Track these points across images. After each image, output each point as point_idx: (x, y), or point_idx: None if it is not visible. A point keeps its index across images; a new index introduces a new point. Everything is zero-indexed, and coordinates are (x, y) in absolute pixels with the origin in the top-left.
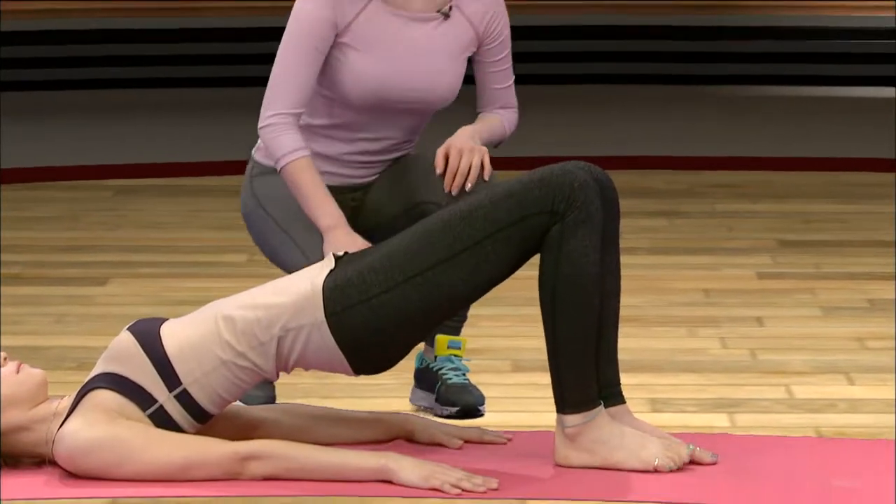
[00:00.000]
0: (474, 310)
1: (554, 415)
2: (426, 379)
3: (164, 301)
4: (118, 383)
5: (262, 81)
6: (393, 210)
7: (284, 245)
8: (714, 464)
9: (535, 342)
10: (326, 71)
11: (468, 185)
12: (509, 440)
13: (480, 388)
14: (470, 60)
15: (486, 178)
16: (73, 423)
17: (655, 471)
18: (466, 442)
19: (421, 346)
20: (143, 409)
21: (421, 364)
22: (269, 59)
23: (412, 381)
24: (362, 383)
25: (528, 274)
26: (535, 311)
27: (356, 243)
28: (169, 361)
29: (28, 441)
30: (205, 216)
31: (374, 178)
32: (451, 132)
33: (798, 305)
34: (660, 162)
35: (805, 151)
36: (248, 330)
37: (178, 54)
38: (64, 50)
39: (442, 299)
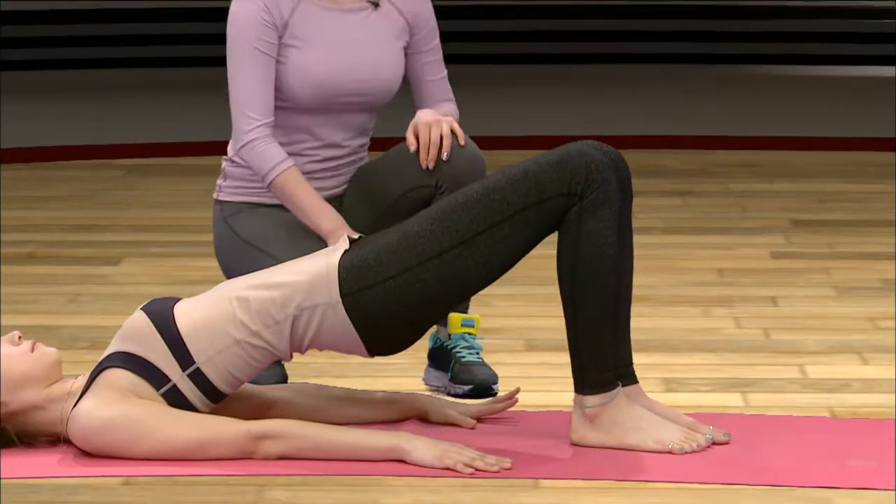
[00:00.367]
0: (488, 289)
1: (567, 394)
2: (440, 358)
3: (177, 280)
4: (132, 362)
5: None
6: (375, 212)
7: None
8: (727, 443)
9: (548, 322)
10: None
11: (444, 154)
12: (516, 400)
13: (494, 367)
14: None
15: (462, 142)
16: (87, 402)
17: (670, 453)
18: (478, 417)
19: (434, 326)
20: (157, 388)
21: (435, 343)
22: None
23: (426, 361)
24: (376, 363)
25: (542, 253)
26: (549, 290)
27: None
28: (182, 341)
29: (43, 420)
30: None
31: (342, 188)
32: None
33: (812, 285)
34: (674, 141)
35: (819, 131)
36: (263, 309)
37: (191, 33)
38: (77, 29)
39: (458, 281)
